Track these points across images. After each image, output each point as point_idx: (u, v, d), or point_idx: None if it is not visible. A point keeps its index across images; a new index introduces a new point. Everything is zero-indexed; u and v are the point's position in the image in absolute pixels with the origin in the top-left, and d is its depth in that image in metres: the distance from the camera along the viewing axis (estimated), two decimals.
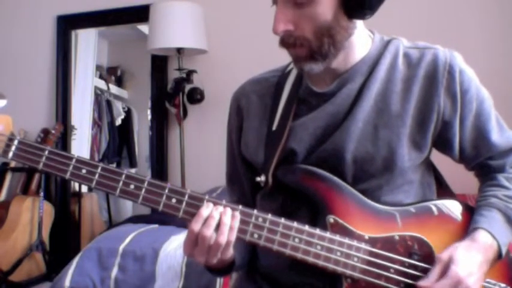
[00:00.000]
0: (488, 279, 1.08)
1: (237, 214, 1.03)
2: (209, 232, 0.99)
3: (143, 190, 1.02)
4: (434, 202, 1.13)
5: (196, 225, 1.00)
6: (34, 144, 1.02)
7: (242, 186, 1.29)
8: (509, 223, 1.11)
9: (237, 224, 1.02)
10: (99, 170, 1.02)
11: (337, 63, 1.11)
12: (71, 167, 1.02)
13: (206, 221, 1.00)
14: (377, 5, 1.05)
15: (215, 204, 1.03)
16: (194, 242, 1.02)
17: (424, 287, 1.02)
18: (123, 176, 1.02)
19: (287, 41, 1.07)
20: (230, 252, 1.05)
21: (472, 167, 1.21)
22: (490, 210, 1.12)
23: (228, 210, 1.02)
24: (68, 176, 1.02)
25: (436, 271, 1.03)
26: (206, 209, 1.01)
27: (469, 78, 1.12)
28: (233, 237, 1.02)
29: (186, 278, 2.05)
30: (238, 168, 1.28)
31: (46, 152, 1.02)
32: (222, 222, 1.00)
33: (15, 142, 1.02)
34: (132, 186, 1.02)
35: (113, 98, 4.07)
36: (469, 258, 1.03)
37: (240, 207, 1.04)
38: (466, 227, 1.11)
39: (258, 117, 1.22)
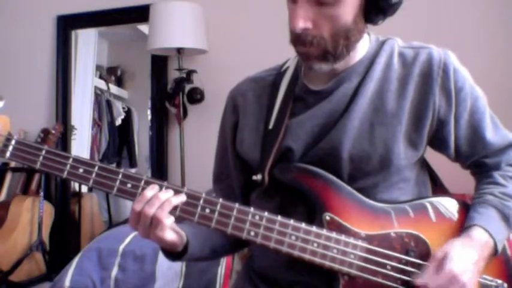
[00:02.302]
0: (485, 276, 1.08)
1: (183, 195, 1.03)
2: (151, 210, 1.00)
3: (140, 189, 1.03)
4: (430, 199, 1.14)
5: (138, 205, 1.01)
6: (31, 143, 1.03)
7: (230, 185, 1.29)
8: (505, 220, 1.12)
9: (174, 200, 1.02)
10: (96, 169, 1.03)
11: (339, 63, 1.12)
12: (68, 166, 1.03)
13: (150, 200, 1.01)
14: (392, 13, 1.08)
15: (211, 202, 1.04)
16: (136, 220, 1.02)
17: (420, 283, 1.02)
18: (120, 175, 1.03)
19: (303, 39, 1.06)
20: (169, 235, 1.05)
21: (468, 165, 1.22)
22: (485, 208, 1.12)
23: (182, 196, 1.03)
24: (65, 175, 1.03)
25: (431, 268, 1.03)
26: (150, 191, 1.02)
27: (463, 76, 1.14)
28: (165, 214, 1.01)
29: (186, 278, 2.05)
30: (229, 166, 1.29)
31: (43, 152, 1.03)
32: (167, 200, 1.01)
33: (13, 142, 1.03)
34: (129, 185, 1.03)
35: (113, 98, 4.07)
36: (464, 255, 1.03)
37: (237, 205, 1.04)
38: (462, 224, 1.11)
39: (255, 116, 1.22)
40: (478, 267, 1.05)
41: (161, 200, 1.01)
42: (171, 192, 1.03)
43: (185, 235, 1.11)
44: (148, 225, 1.02)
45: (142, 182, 1.03)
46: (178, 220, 1.05)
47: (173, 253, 1.13)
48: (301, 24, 1.04)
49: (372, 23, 1.10)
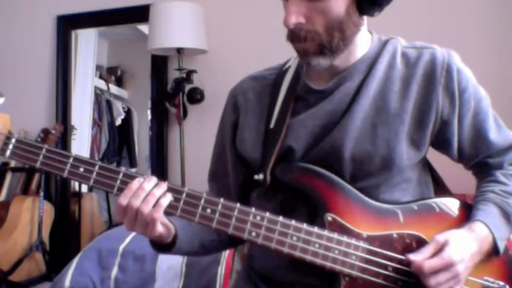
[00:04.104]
0: (486, 277, 1.08)
1: (164, 185, 1.02)
2: (137, 202, 1.00)
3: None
4: (433, 200, 1.13)
5: (124, 200, 1.00)
6: (32, 142, 1.03)
7: (226, 184, 1.28)
8: (505, 217, 1.12)
9: (165, 201, 1.01)
10: (96, 168, 1.03)
11: (339, 61, 1.12)
12: (68, 166, 1.02)
13: (135, 192, 1.00)
14: (387, 3, 1.07)
15: (212, 202, 1.04)
16: (123, 213, 1.02)
17: (414, 260, 1.02)
18: (121, 175, 1.03)
19: (297, 35, 1.06)
20: (158, 229, 1.04)
21: (471, 166, 1.21)
22: (486, 204, 1.12)
23: (163, 185, 1.02)
24: (65, 174, 1.02)
25: (429, 249, 1.03)
26: (136, 183, 1.01)
27: (466, 77, 1.13)
28: (157, 212, 1.01)
29: (186, 278, 2.05)
30: (226, 164, 1.28)
31: (44, 151, 1.02)
32: (150, 193, 1.01)
33: (13, 141, 1.03)
34: None
35: (113, 98, 4.07)
36: (463, 245, 1.03)
37: (238, 205, 1.04)
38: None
39: (256, 115, 1.22)
40: (475, 260, 1.05)
41: (147, 191, 1.01)
42: (154, 182, 1.02)
43: (174, 227, 1.11)
44: (133, 219, 1.01)
45: None
46: (169, 214, 1.05)
47: (161, 245, 1.13)
48: (294, 19, 1.04)
49: (367, 15, 1.09)
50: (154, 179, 1.03)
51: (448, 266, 1.00)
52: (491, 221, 1.09)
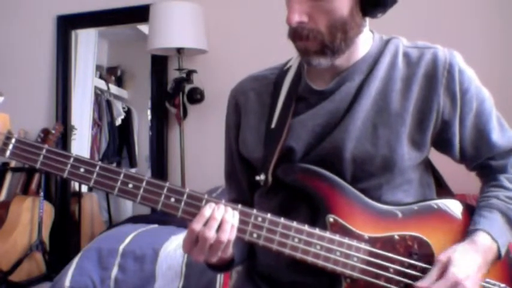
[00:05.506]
0: (487, 279, 1.07)
1: (236, 213, 1.02)
2: (211, 233, 0.99)
3: (141, 189, 1.02)
4: (435, 201, 1.13)
5: (197, 225, 0.99)
6: (32, 142, 1.02)
7: (240, 184, 1.28)
8: (509, 224, 1.11)
9: (236, 222, 1.01)
10: (97, 169, 1.02)
11: (340, 60, 1.11)
12: (68, 166, 1.01)
13: (208, 221, 0.99)
14: (391, 5, 1.06)
15: (215, 203, 1.03)
16: (194, 241, 1.01)
17: (422, 287, 1.01)
18: (122, 175, 1.02)
19: (300, 33, 1.06)
20: (230, 251, 1.05)
21: (473, 167, 1.20)
22: (490, 211, 1.11)
23: (229, 209, 1.02)
24: (65, 174, 1.01)
25: (434, 272, 1.02)
26: (208, 209, 1.00)
27: (468, 77, 1.12)
28: (233, 236, 1.01)
29: (186, 278, 2.05)
30: (236, 166, 1.28)
31: (44, 151, 1.01)
32: (224, 220, 1.00)
33: (13, 140, 1.01)
34: (130, 186, 1.02)
35: (113, 98, 4.07)
36: (467, 261, 1.02)
37: (240, 206, 1.04)
38: (466, 227, 1.10)
39: (256, 115, 1.21)
40: (481, 272, 1.04)
41: (229, 222, 1.00)
42: (230, 212, 1.02)
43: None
44: (208, 248, 1.01)
45: (144, 182, 1.02)
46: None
47: (219, 265, 1.13)
48: (297, 17, 1.03)
49: (371, 16, 1.09)
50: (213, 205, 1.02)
51: (455, 286, 1.00)
52: (495, 229, 1.08)
